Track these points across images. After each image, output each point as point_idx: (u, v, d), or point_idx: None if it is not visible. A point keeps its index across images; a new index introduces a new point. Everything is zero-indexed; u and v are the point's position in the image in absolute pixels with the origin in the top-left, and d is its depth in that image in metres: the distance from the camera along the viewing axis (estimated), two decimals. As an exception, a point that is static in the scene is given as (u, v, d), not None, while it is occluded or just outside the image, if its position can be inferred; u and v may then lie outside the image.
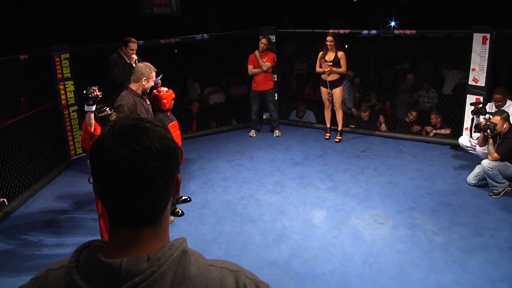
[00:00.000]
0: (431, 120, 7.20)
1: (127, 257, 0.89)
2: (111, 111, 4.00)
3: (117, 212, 0.93)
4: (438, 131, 7.10)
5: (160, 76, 5.44)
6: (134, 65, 5.78)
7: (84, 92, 3.90)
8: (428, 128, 7.25)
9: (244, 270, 1.00)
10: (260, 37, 7.26)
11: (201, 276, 0.92)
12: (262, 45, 7.13)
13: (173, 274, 0.88)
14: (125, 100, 4.23)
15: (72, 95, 6.41)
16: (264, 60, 7.17)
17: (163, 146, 0.91)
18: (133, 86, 4.35)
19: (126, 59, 5.86)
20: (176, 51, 8.33)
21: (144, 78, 4.31)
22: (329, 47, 6.75)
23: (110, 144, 0.90)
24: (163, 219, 0.97)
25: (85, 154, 3.84)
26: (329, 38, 6.72)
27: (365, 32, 7.11)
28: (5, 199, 5.16)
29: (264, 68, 7.20)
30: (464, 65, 6.72)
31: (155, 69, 4.46)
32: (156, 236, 0.95)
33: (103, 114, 3.90)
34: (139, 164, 0.88)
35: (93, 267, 0.90)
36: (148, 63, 4.40)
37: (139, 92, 4.34)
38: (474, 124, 5.63)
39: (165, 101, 4.95)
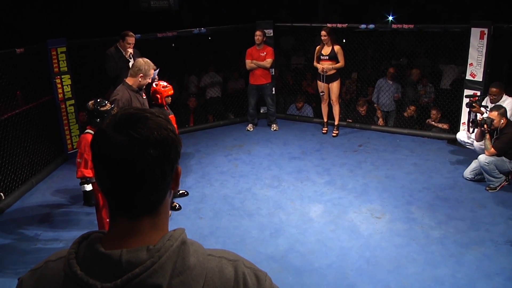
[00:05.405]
0: (431, 116, 7.22)
1: (126, 248, 0.89)
2: (111, 105, 3.98)
3: (116, 201, 0.94)
4: (437, 124, 7.12)
5: (157, 70, 5.42)
6: (129, 59, 5.77)
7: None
8: (429, 121, 7.26)
9: (242, 259, 1.01)
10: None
11: (200, 266, 0.93)
12: (257, 37, 7.11)
13: (173, 264, 0.89)
14: (120, 94, 4.22)
15: (69, 89, 6.38)
16: (263, 54, 7.16)
17: (161, 136, 0.91)
18: (129, 80, 4.34)
19: (123, 53, 5.84)
20: (173, 45, 8.30)
21: (141, 74, 4.29)
22: (324, 41, 6.76)
23: (110, 132, 0.91)
24: (162, 210, 0.97)
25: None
26: (322, 32, 6.73)
27: (363, 26, 7.09)
28: (1, 193, 5.15)
29: (267, 65, 7.19)
30: (462, 60, 6.72)
31: (154, 66, 4.44)
32: (155, 226, 0.95)
33: (104, 108, 3.88)
34: (136, 151, 0.88)
35: (92, 258, 0.90)
36: (148, 60, 4.38)
37: (135, 87, 4.33)
38: (471, 119, 5.64)
39: (158, 95, 4.93)
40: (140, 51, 6.06)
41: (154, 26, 8.20)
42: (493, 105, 5.47)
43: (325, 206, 5.01)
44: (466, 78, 6.42)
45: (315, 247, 4.22)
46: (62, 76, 6.30)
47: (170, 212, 4.86)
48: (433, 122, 7.15)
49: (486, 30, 6.08)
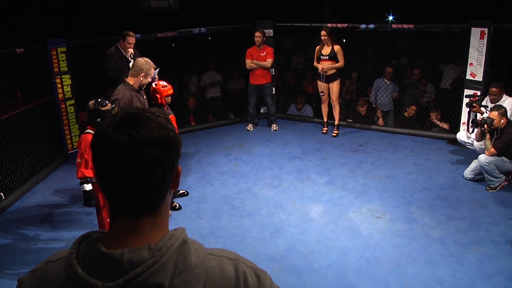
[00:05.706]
0: (432, 118, 7.22)
1: (127, 248, 0.89)
2: (112, 105, 3.98)
3: (116, 201, 0.94)
4: (438, 122, 7.12)
5: (157, 70, 5.42)
6: (129, 58, 5.76)
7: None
8: (432, 119, 7.26)
9: (242, 258, 1.02)
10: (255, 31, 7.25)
11: (201, 265, 0.93)
12: (257, 38, 7.12)
13: (174, 263, 0.89)
14: (121, 94, 4.22)
15: (69, 89, 6.38)
16: (264, 54, 7.16)
17: (162, 135, 0.92)
18: (131, 80, 4.33)
19: (124, 53, 5.84)
20: (173, 45, 8.30)
21: (143, 74, 4.30)
22: (324, 41, 6.76)
23: (110, 132, 0.91)
24: (162, 209, 0.98)
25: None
26: (322, 32, 6.74)
27: (363, 26, 7.09)
28: (2, 193, 5.15)
29: (268, 66, 7.21)
30: (462, 60, 6.72)
31: (155, 66, 4.45)
32: (155, 225, 0.95)
33: (105, 108, 3.87)
34: (137, 151, 0.89)
35: (93, 258, 0.90)
36: (148, 59, 4.38)
37: (136, 86, 4.33)
38: (471, 119, 5.64)
39: (158, 95, 4.93)
40: (140, 51, 6.06)
41: (154, 26, 8.20)
42: (493, 105, 5.47)
43: (325, 206, 5.01)
44: (466, 78, 6.42)
45: (315, 247, 4.22)
46: (62, 76, 6.30)
47: (170, 212, 4.86)
48: (435, 120, 7.15)
49: (486, 30, 6.08)
